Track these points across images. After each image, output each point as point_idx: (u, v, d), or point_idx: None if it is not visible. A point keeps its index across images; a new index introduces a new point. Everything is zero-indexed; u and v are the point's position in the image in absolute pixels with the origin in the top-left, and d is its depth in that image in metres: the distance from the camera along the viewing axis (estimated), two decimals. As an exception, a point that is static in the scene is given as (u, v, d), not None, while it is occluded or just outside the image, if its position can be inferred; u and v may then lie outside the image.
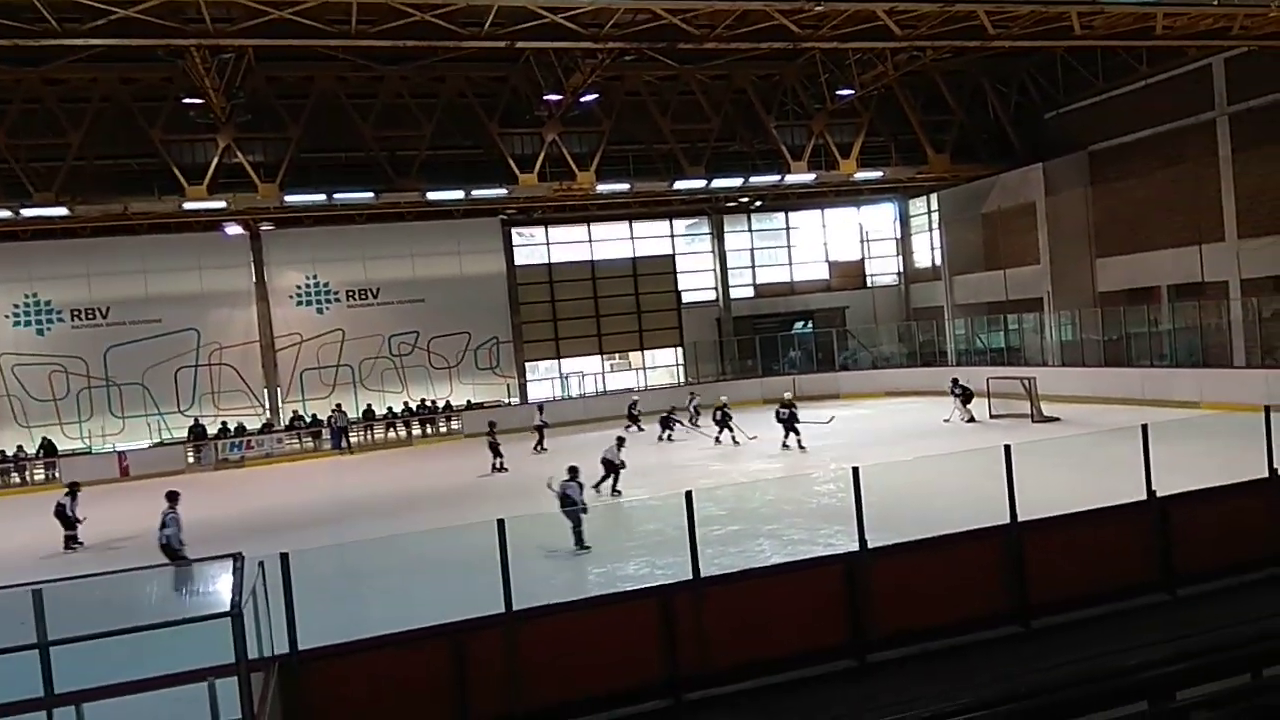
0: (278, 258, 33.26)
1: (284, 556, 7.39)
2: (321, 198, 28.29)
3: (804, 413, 24.51)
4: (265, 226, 32.45)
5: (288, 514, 20.81)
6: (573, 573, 13.14)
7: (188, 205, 27.01)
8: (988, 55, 28.14)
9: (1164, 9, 18.07)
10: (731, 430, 25.07)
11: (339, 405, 31.94)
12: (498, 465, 24.02)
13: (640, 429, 28.05)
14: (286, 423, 32.33)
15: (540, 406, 29.80)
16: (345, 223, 33.13)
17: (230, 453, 30.40)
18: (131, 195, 26.97)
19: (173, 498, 14.59)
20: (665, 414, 27.14)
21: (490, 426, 25.08)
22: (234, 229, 31.82)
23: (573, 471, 15.12)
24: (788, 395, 24.72)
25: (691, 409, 28.28)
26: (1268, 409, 10.61)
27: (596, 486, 18.21)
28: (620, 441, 19.78)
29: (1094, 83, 29.96)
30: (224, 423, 31.50)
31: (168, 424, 31.51)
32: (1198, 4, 17.78)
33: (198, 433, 30.90)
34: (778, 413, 23.84)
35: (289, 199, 27.80)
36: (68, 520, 18.60)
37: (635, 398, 31.05)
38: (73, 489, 19.17)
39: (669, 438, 26.60)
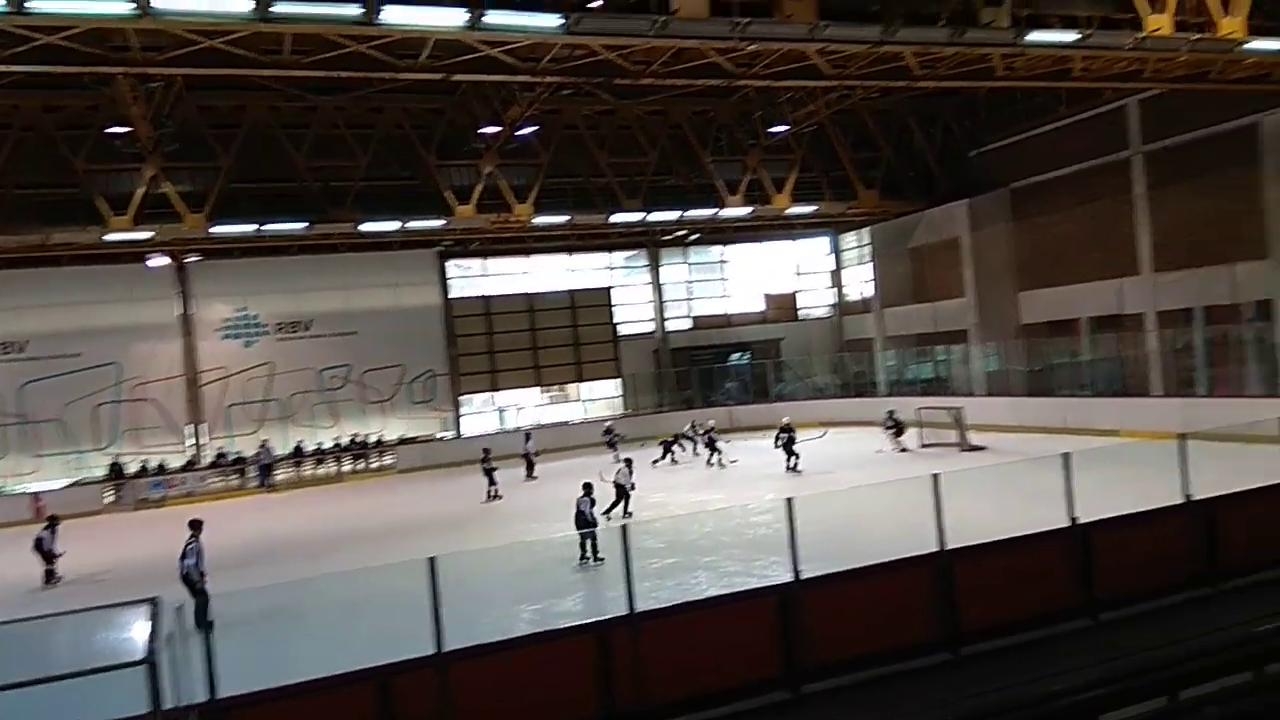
0: (205, 290, 32.46)
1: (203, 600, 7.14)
2: (251, 228, 27.73)
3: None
4: (192, 258, 31.68)
5: (210, 555, 20.09)
6: (501, 611, 12.93)
7: (111, 236, 26.25)
8: (914, 95, 29.02)
9: (1081, 52, 18.82)
10: (719, 453, 25.95)
11: (265, 441, 31.13)
12: (493, 493, 23.81)
13: (617, 458, 27.73)
14: (211, 460, 31.36)
15: (527, 435, 29.17)
16: (276, 254, 32.48)
17: (151, 491, 29.35)
18: (53, 226, 26.09)
19: (196, 526, 14.23)
20: (670, 439, 27.11)
21: (485, 454, 24.86)
22: (159, 261, 30.97)
23: (587, 488, 16.04)
24: (786, 419, 24.80)
25: (700, 434, 27.84)
26: (1183, 437, 11.01)
27: (607, 513, 18.38)
28: (629, 464, 19.99)
29: (1015, 122, 31.08)
30: (145, 461, 30.47)
31: (85, 462, 30.32)
32: (1112, 48, 18.54)
33: (117, 471, 29.82)
34: (777, 437, 24.26)
35: (217, 230, 27.20)
36: (46, 555, 18.10)
37: (610, 424, 30.76)
38: (52, 523, 18.68)
39: (672, 460, 26.71)
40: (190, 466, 30.88)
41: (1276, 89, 21.81)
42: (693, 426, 28.39)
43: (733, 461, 25.67)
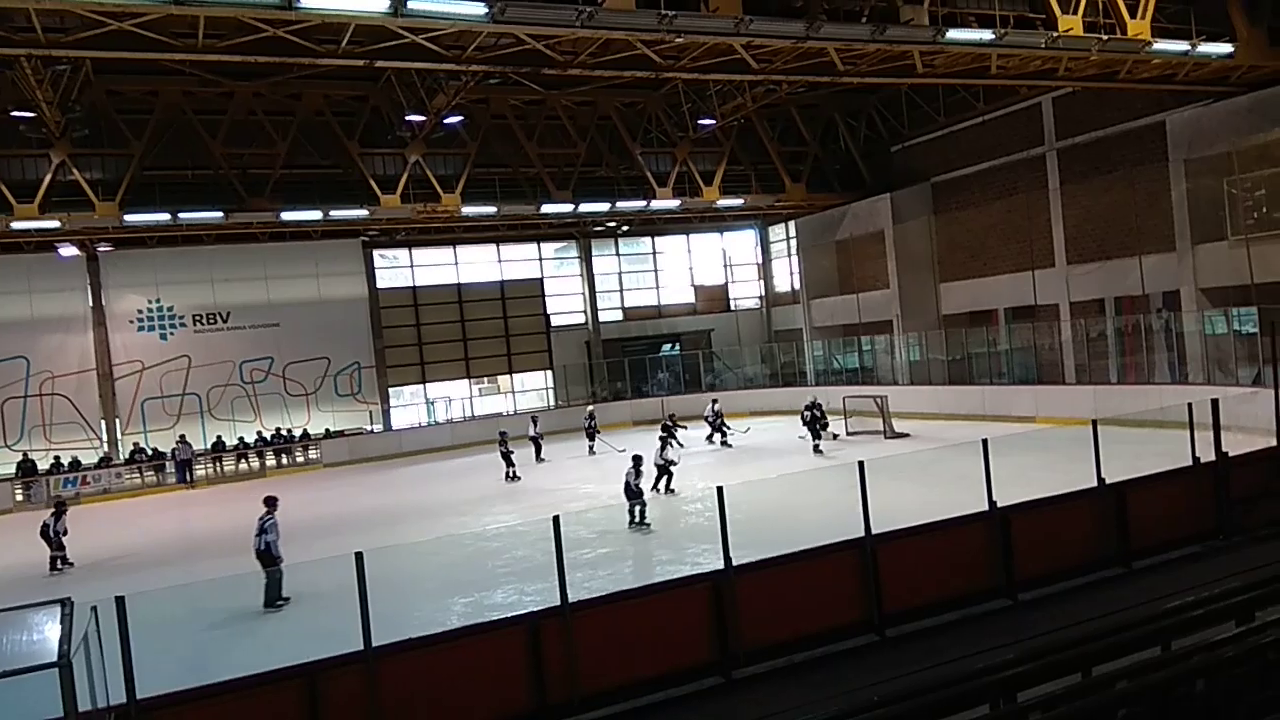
0: (117, 280, 31.27)
1: (119, 600, 6.92)
2: (165, 217, 26.76)
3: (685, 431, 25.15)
4: (103, 248, 30.44)
5: (127, 554, 19.50)
6: (434, 604, 12.81)
7: (16, 225, 25.04)
8: (839, 90, 29.48)
9: (998, 50, 19.35)
10: (725, 433, 26.72)
11: (183, 436, 30.17)
12: (511, 475, 24.05)
13: (592, 450, 27.68)
14: (126, 456, 30.30)
15: (534, 418, 28.86)
16: (192, 244, 31.44)
17: (64, 489, 28.20)
18: (-49, 213, 24.87)
19: (271, 503, 14.35)
20: (667, 423, 25.06)
21: (502, 437, 25.19)
22: (69, 250, 29.69)
23: (636, 461, 17.23)
24: (815, 398, 25.27)
25: (711, 413, 27.56)
26: (1095, 423, 11.45)
27: (655, 488, 19.11)
28: (664, 442, 20.41)
29: (936, 118, 31.83)
30: (56, 457, 29.26)
31: (-8, 459, 29.03)
32: (1027, 46, 19.12)
33: (27, 468, 28.57)
34: (803, 414, 24.86)
35: (129, 219, 26.19)
36: (52, 540, 17.86)
37: (591, 408, 30.31)
38: (59, 508, 18.36)
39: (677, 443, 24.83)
40: (105, 463, 29.76)
41: (1182, 89, 22.77)
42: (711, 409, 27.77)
43: (745, 431, 27.03)
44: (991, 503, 10.59)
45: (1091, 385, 25.87)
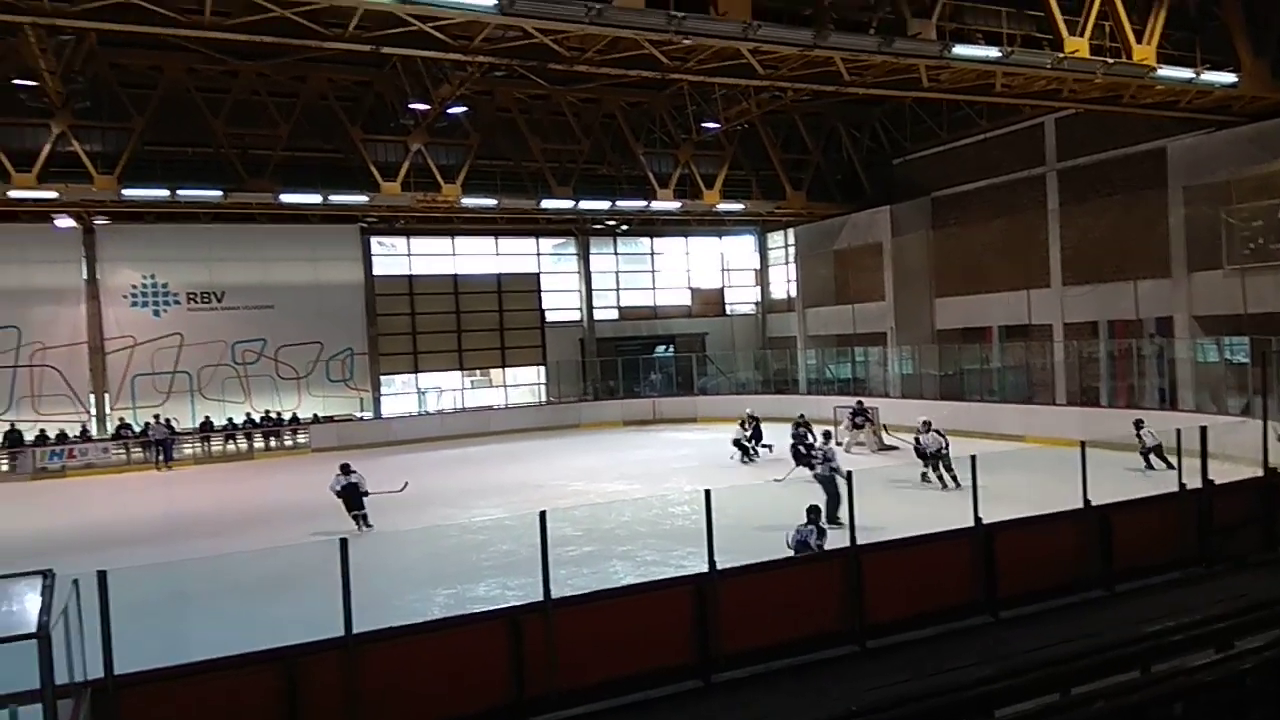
0: (112, 254, 31.11)
1: (101, 574, 6.89)
2: (164, 193, 26.65)
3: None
4: (100, 221, 30.32)
5: (110, 529, 19.41)
6: (416, 594, 12.79)
7: (14, 194, 24.92)
8: (843, 100, 29.48)
9: (1003, 68, 19.42)
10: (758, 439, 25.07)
11: (158, 416, 30.01)
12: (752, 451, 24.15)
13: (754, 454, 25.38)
14: (113, 431, 30.15)
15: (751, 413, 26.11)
16: (189, 221, 31.31)
17: (50, 461, 28.12)
18: (-53, 179, 24.73)
19: (346, 469, 17.14)
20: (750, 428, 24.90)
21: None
22: (65, 222, 29.56)
23: (826, 436, 18.59)
24: (862, 401, 24.71)
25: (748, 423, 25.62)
26: (1084, 444, 11.47)
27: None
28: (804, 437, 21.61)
29: (938, 133, 31.91)
30: (43, 429, 29.14)
31: (-22, 428, 28.87)
32: (1032, 66, 19.20)
33: (14, 439, 28.44)
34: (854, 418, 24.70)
35: (128, 193, 26.09)
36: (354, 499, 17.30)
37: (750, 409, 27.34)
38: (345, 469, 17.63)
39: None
40: (84, 436, 29.60)
41: (1184, 116, 22.88)
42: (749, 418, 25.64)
43: (765, 447, 24.71)
44: (977, 519, 10.62)
45: (1082, 407, 25.95)
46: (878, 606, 9.88)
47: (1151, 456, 19.06)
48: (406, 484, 18.85)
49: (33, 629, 5.44)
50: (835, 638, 9.67)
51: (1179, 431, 12.40)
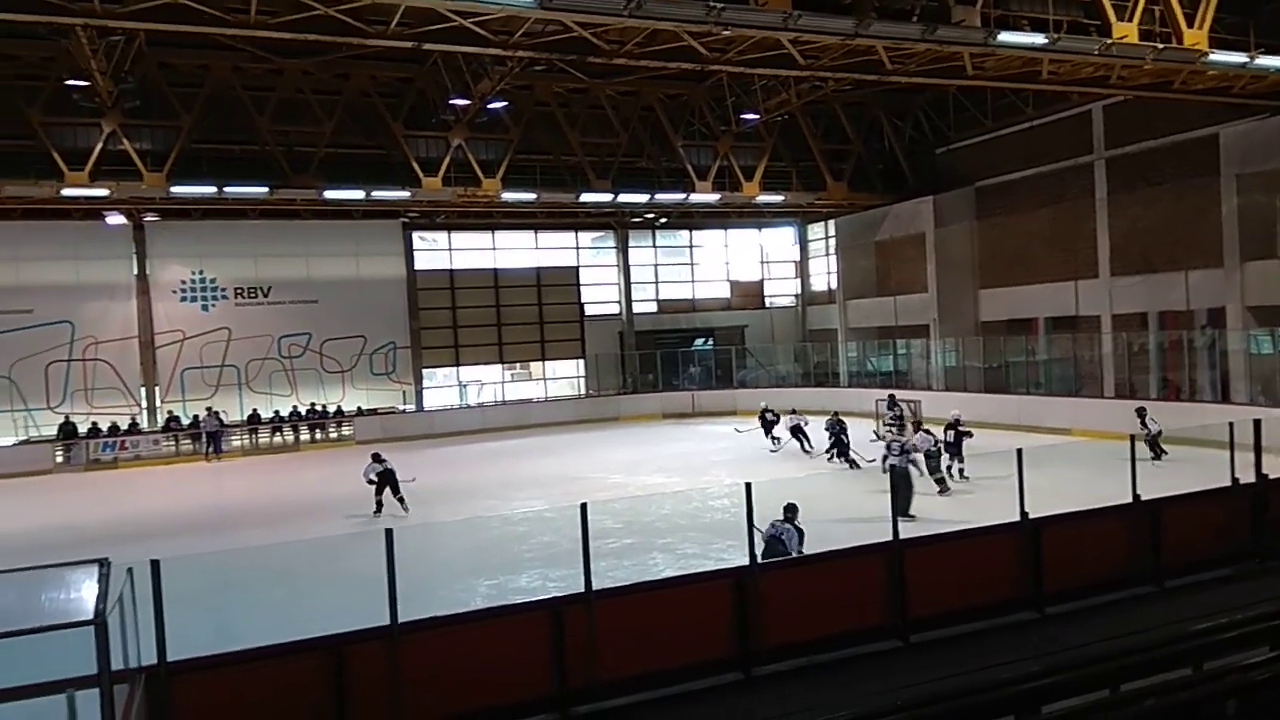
0: (162, 250, 31.79)
1: (154, 564, 7.04)
2: (211, 190, 27.18)
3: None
4: (150, 217, 30.99)
5: (161, 519, 19.87)
6: (460, 584, 12.92)
7: (67, 191, 25.58)
8: (885, 90, 29.20)
9: (1050, 55, 19.06)
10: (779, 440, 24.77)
11: (209, 408, 30.67)
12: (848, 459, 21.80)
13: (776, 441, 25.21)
14: (163, 424, 30.83)
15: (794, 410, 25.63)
16: (236, 217, 31.87)
17: (102, 453, 28.84)
18: (6, 178, 25.34)
19: (377, 458, 18.57)
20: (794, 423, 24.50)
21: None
22: (116, 218, 30.28)
23: (900, 427, 19.22)
24: (955, 413, 21.12)
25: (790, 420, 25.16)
26: (1133, 438, 11.26)
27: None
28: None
29: (983, 122, 31.42)
30: (95, 421, 29.88)
31: (35, 420, 29.65)
32: (1080, 52, 18.82)
33: (68, 431, 29.22)
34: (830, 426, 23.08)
35: (176, 190, 26.64)
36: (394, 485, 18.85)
37: (764, 403, 27.40)
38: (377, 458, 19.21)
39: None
40: (134, 428, 30.30)
41: (1237, 101, 22.29)
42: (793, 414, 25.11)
43: (774, 439, 24.68)
44: (1023, 513, 10.46)
45: (1131, 400, 25.43)
46: (921, 601, 9.77)
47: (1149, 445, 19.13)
48: (414, 478, 19.45)
49: (90, 616, 5.59)
50: (878, 632, 9.59)
51: (1231, 425, 12.09)
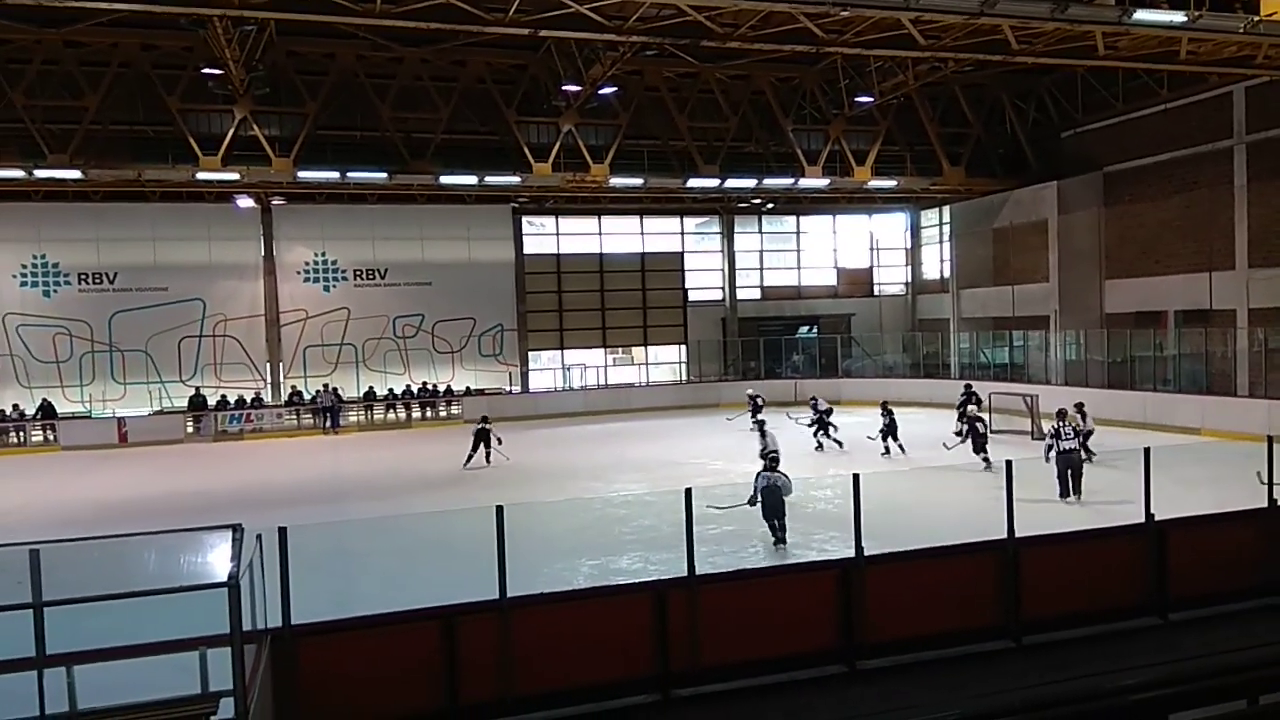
0: (287, 233, 33.25)
1: (282, 531, 7.40)
2: (334, 175, 28.25)
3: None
4: (277, 201, 32.44)
5: (284, 489, 20.85)
6: (565, 563, 13.14)
7: (201, 175, 26.98)
8: (1008, 70, 28.09)
9: (1189, 33, 18.02)
10: (830, 431, 23.73)
11: (327, 384, 31.96)
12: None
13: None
14: (285, 398, 32.33)
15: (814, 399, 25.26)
16: (356, 202, 33.10)
17: (229, 425, 30.43)
18: (145, 162, 26.94)
19: (485, 419, 22.61)
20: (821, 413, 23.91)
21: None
22: (245, 202, 31.82)
23: (1061, 415, 17.52)
24: (970, 384, 22.46)
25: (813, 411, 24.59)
26: (1270, 439, 10.59)
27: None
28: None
29: (1113, 104, 29.90)
30: (224, 394, 31.54)
31: (168, 392, 31.52)
32: (1223, 31, 17.71)
33: (198, 403, 30.93)
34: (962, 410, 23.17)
35: (302, 175, 27.77)
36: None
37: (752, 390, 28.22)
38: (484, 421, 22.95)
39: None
40: (257, 402, 31.84)
41: (1402, 80, 20.62)
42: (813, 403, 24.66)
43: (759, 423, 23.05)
44: (1148, 515, 9.99)
45: (1267, 400, 23.90)
46: (1035, 602, 9.45)
47: None
48: (509, 458, 22.04)
49: (222, 579, 5.91)
50: (989, 632, 9.32)
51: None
